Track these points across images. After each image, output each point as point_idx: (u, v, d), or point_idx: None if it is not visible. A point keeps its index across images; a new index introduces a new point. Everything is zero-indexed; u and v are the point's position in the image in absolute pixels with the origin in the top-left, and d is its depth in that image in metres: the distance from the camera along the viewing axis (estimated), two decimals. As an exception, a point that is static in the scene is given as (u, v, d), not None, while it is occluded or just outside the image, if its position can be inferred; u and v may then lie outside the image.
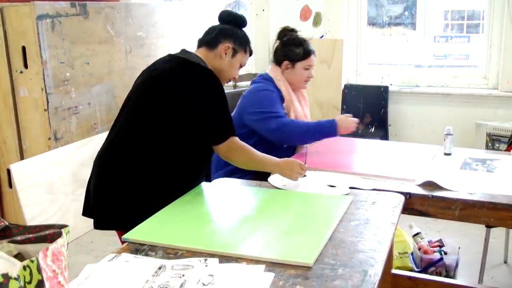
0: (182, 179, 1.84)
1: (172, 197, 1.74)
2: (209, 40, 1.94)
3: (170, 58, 1.91)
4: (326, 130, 2.37)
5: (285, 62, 2.51)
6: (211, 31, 1.96)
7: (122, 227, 1.78)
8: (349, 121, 2.38)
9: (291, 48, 2.50)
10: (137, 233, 1.47)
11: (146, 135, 1.78)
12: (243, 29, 2.01)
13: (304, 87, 2.60)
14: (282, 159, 1.93)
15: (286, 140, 2.41)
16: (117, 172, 1.80)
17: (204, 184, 1.95)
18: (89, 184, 1.90)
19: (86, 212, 1.91)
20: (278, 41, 2.57)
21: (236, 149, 1.84)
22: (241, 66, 2.00)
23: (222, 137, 1.82)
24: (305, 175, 1.99)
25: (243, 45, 1.97)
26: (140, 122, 1.80)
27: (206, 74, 1.84)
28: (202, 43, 1.96)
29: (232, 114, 2.43)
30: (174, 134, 1.79)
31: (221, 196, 1.83)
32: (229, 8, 5.01)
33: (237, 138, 1.85)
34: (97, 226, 1.84)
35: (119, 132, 1.84)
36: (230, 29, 1.95)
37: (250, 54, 2.03)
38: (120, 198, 1.78)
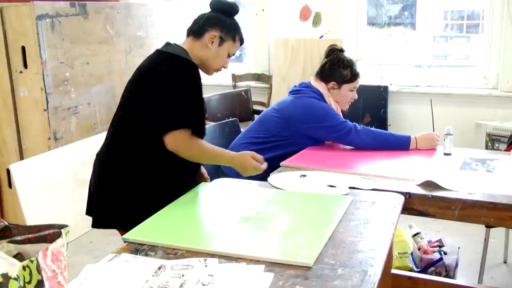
0: (177, 179, 1.84)
1: (167, 196, 1.74)
2: (196, 29, 1.90)
3: (154, 53, 1.90)
4: (400, 143, 2.41)
5: (332, 83, 2.52)
6: (198, 20, 1.92)
7: (119, 226, 1.80)
8: (431, 139, 2.43)
9: (339, 69, 2.51)
10: (137, 233, 1.47)
11: (138, 133, 1.79)
12: (236, 18, 1.96)
13: (346, 108, 2.62)
14: (239, 153, 1.87)
15: (364, 146, 2.42)
16: (114, 172, 1.81)
17: (204, 184, 1.95)
18: (90, 183, 1.92)
19: (88, 212, 1.93)
20: (325, 59, 2.57)
21: (183, 141, 1.75)
22: (229, 56, 1.95)
23: (170, 126, 1.73)
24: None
25: (231, 33, 1.90)
26: (133, 121, 1.80)
27: (179, 63, 1.79)
28: (189, 32, 1.92)
29: (275, 117, 2.48)
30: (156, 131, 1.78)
31: (221, 196, 1.83)
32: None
33: (189, 132, 1.75)
34: (94, 225, 1.85)
35: (115, 132, 1.85)
36: (217, 17, 1.90)
37: (241, 43, 1.97)
38: (117, 197, 1.80)
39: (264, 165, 1.87)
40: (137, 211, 1.71)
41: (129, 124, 1.81)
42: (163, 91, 1.75)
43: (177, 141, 1.75)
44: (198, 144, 1.79)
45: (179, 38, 1.99)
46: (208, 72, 1.95)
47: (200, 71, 1.95)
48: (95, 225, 1.85)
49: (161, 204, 1.68)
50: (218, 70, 1.97)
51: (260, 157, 1.87)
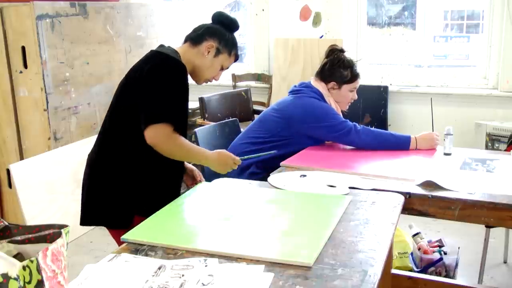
0: (161, 176, 1.86)
1: (152, 193, 1.79)
2: (194, 36, 1.93)
3: (147, 53, 1.92)
4: (400, 143, 2.41)
5: (332, 83, 2.52)
6: (198, 29, 1.95)
7: (106, 223, 1.84)
8: (431, 139, 2.43)
9: (339, 70, 2.51)
10: (136, 233, 1.47)
11: (125, 130, 1.80)
12: (235, 34, 2.00)
13: (346, 109, 2.62)
14: (214, 151, 1.90)
15: (364, 146, 2.42)
16: (101, 169, 1.84)
17: (204, 184, 1.95)
18: (83, 183, 1.93)
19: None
20: (326, 59, 2.57)
21: (164, 135, 1.74)
22: (222, 69, 1.98)
23: (152, 120, 1.73)
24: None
25: (228, 47, 1.94)
26: (120, 121, 1.82)
27: (167, 61, 1.80)
28: (187, 38, 1.95)
29: (275, 117, 2.48)
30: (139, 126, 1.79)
31: (221, 196, 1.83)
32: (228, 8, 5.01)
33: (170, 127, 1.74)
34: (81, 222, 1.87)
35: (103, 133, 1.88)
36: (217, 29, 1.93)
37: (236, 59, 2.00)
38: (103, 194, 1.82)
39: (238, 160, 1.93)
40: (123, 207, 1.77)
41: (117, 121, 1.83)
42: (149, 85, 1.76)
43: (157, 135, 1.73)
44: (178, 140, 1.78)
45: (179, 38, 2.00)
46: (199, 81, 1.97)
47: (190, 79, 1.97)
48: (82, 222, 1.87)
49: (145, 200, 1.74)
50: (208, 80, 1.99)
51: (238, 160, 1.93)
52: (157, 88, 1.75)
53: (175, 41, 1.98)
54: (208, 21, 2.00)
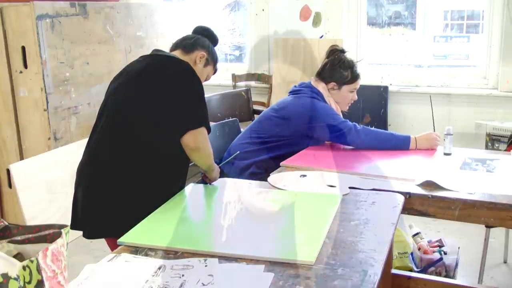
0: (168, 179, 1.81)
1: (159, 198, 1.71)
2: (186, 44, 1.97)
3: (144, 57, 1.91)
4: (400, 143, 2.41)
5: (332, 83, 2.52)
6: (189, 38, 2.00)
7: (115, 234, 1.72)
8: (431, 139, 2.42)
9: (339, 70, 2.51)
10: (133, 236, 1.45)
11: (128, 138, 1.75)
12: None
13: (345, 109, 2.62)
14: None
15: (364, 145, 2.42)
16: (104, 181, 1.75)
17: (202, 185, 1.95)
18: (76, 196, 1.83)
19: (75, 225, 1.82)
20: (326, 59, 2.57)
21: (205, 138, 1.81)
22: (206, 79, 2.03)
23: (193, 125, 1.77)
24: None
25: (214, 60, 2.03)
26: (122, 125, 1.77)
27: (184, 65, 1.84)
28: (178, 46, 1.98)
29: (275, 117, 2.50)
30: (156, 131, 1.76)
31: (221, 196, 1.83)
32: (228, 9, 5.01)
33: (206, 130, 1.82)
34: (90, 235, 1.79)
35: (101, 141, 1.80)
36: (207, 41, 2.01)
37: (214, 72, 2.08)
38: (111, 207, 1.74)
39: None
40: (129, 217, 1.62)
41: (120, 130, 1.77)
42: (182, 92, 1.78)
43: (199, 139, 1.78)
44: (209, 143, 1.84)
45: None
46: None
47: None
48: (91, 235, 1.79)
49: (150, 206, 1.65)
50: None
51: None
52: (190, 94, 1.79)
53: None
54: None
